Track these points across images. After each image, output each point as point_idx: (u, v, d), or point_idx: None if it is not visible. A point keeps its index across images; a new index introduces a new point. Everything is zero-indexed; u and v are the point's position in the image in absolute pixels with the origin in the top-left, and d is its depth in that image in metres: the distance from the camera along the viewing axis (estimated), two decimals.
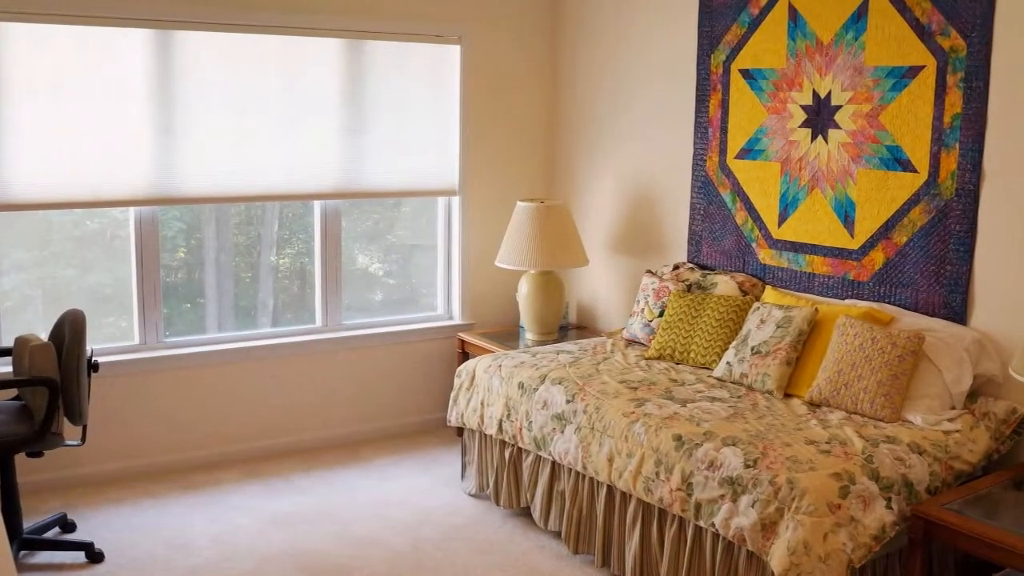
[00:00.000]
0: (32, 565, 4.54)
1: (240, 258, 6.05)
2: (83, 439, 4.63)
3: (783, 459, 3.77)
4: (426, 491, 5.42)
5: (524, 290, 6.00)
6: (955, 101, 4.37)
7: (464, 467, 5.42)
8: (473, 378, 5.22)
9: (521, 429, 4.82)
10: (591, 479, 4.50)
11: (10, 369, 4.66)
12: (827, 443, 3.92)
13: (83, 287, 5.53)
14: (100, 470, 5.43)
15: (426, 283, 6.58)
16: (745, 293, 5.14)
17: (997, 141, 4.26)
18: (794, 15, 4.99)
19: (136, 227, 5.47)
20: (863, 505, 3.63)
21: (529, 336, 6.03)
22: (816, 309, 4.68)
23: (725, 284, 5.21)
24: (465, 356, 6.11)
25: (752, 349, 4.68)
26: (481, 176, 6.40)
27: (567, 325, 6.38)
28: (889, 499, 3.69)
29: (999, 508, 3.79)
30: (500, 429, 4.96)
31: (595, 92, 6.27)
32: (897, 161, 4.61)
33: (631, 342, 5.49)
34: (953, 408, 4.25)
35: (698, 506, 3.89)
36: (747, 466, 3.77)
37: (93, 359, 4.62)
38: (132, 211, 5.45)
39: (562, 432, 4.57)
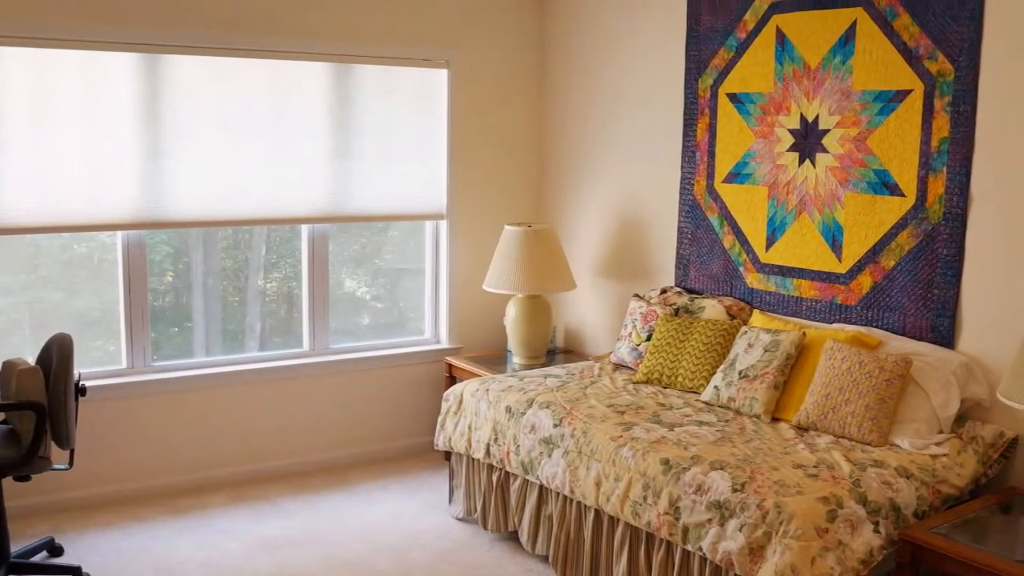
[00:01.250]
0: None
1: (228, 282, 6.04)
2: (71, 463, 4.61)
3: (770, 483, 3.77)
4: (414, 515, 5.40)
5: (512, 314, 6.00)
6: (942, 125, 4.39)
7: (452, 491, 5.41)
8: (460, 402, 5.22)
9: (509, 453, 4.81)
10: (579, 503, 4.49)
11: None
12: (815, 467, 3.92)
13: (71, 311, 5.52)
14: (88, 494, 5.41)
15: (413, 307, 6.58)
16: (733, 317, 5.15)
17: (985, 165, 4.28)
18: (781, 39, 5.01)
19: (124, 251, 5.46)
20: (851, 529, 3.63)
21: (517, 360, 6.03)
22: (804, 333, 4.69)
23: (713, 308, 5.22)
24: (452, 380, 6.11)
25: (740, 373, 4.69)
26: (469, 200, 6.41)
27: (555, 349, 6.37)
28: (877, 523, 3.70)
29: (987, 532, 3.79)
30: (488, 453, 4.95)
31: (583, 117, 6.30)
32: (885, 185, 4.63)
33: (619, 366, 5.49)
34: (941, 432, 4.26)
35: (686, 530, 3.88)
36: (735, 490, 3.77)
37: (81, 383, 4.60)
38: (120, 235, 5.45)
39: (550, 456, 4.57)
